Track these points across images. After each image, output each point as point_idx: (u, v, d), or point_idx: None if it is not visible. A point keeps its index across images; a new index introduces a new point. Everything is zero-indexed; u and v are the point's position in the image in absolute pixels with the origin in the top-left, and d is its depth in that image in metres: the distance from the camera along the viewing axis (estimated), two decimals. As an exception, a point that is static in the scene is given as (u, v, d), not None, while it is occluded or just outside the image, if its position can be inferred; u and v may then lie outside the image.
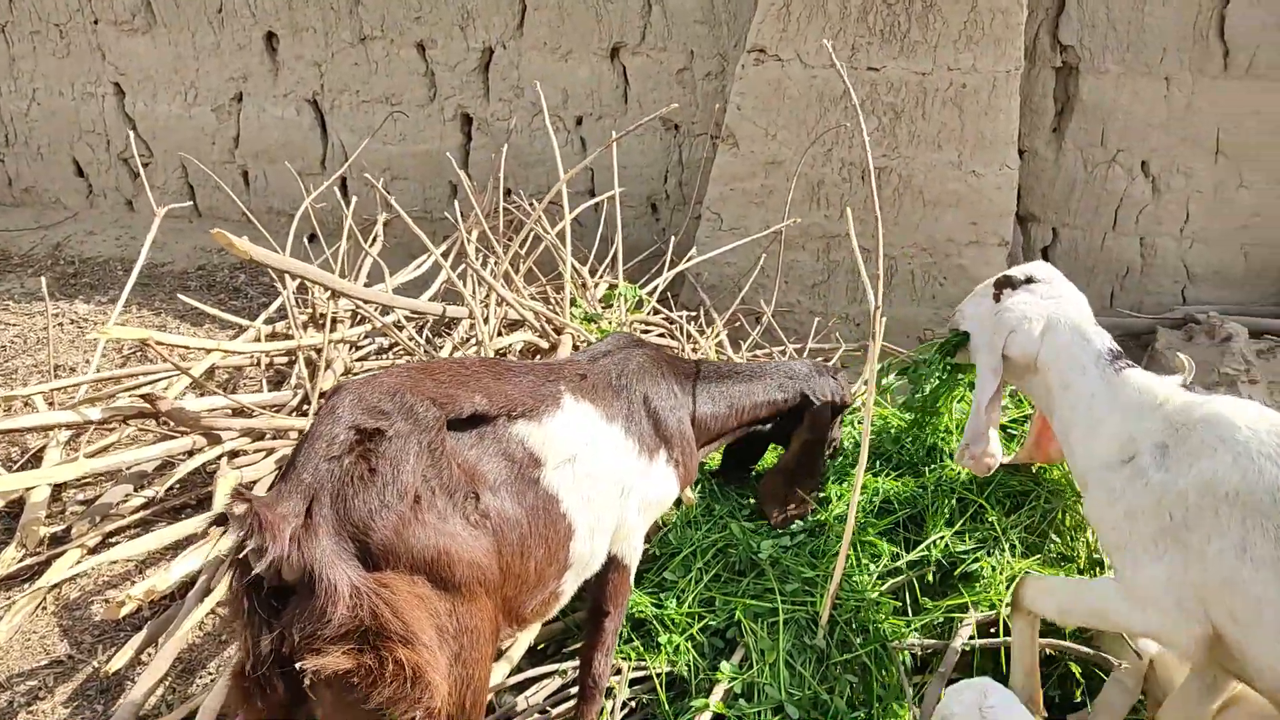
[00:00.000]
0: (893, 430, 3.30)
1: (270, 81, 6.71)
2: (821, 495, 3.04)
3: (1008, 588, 2.65)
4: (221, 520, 1.53)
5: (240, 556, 1.56)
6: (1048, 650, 2.60)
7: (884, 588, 2.71)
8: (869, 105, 5.30)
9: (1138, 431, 2.18)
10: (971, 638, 2.58)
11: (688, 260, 4.88)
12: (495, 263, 4.12)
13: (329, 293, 3.98)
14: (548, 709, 2.55)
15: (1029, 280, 2.58)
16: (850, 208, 3.32)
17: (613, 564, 2.38)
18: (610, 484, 2.26)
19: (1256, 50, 5.35)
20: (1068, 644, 2.56)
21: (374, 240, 4.68)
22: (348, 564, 1.62)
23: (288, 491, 1.65)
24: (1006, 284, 2.62)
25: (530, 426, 2.09)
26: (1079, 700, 2.58)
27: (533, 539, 2.00)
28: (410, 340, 3.96)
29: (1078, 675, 2.59)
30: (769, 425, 3.04)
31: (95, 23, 6.75)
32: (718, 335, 4.60)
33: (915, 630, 2.61)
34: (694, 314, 5.18)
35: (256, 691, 1.64)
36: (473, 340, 3.88)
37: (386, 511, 1.68)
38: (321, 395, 3.59)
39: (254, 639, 1.58)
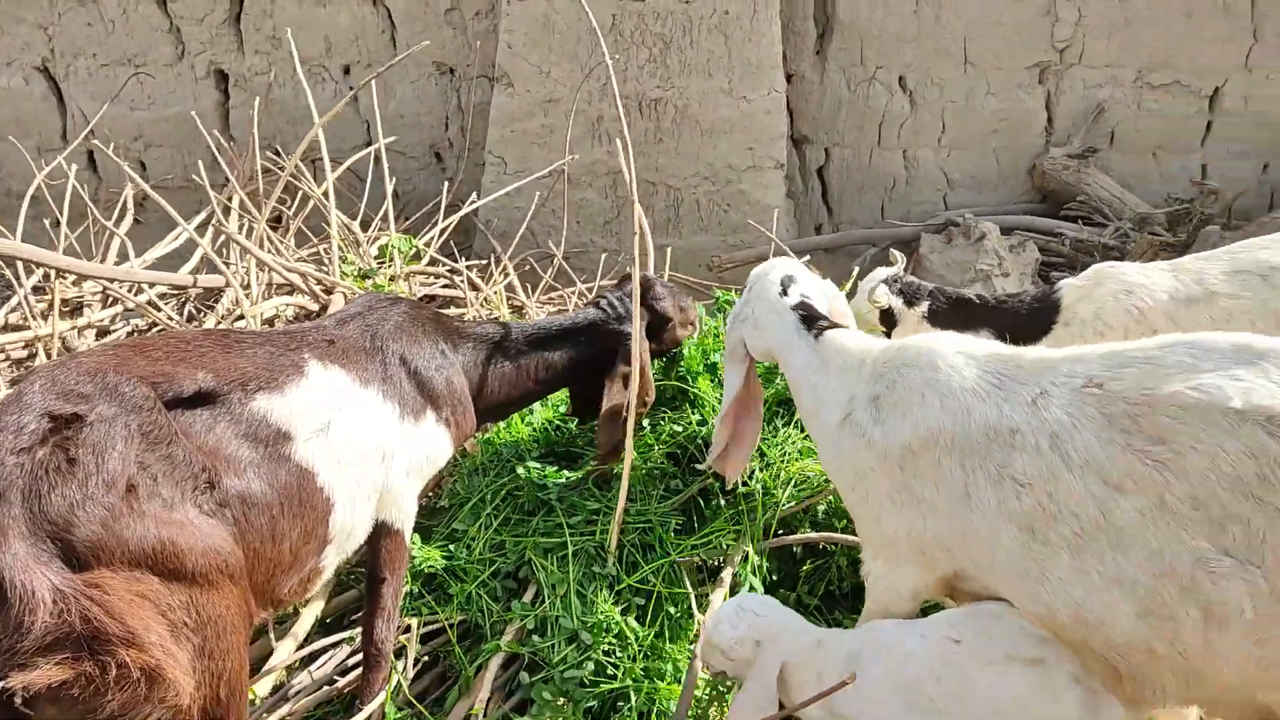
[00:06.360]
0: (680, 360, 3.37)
1: (-12, 48, 6.02)
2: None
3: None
4: None
5: None
6: (822, 544, 2.77)
7: (668, 508, 2.79)
8: (638, 36, 5.31)
9: (855, 390, 2.12)
10: (753, 541, 2.71)
11: (469, 206, 4.78)
12: (258, 226, 3.88)
13: (71, 276, 3.64)
14: (335, 679, 2.49)
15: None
16: (621, 140, 3.30)
17: (384, 530, 2.32)
18: (370, 449, 2.19)
19: (991, -38, 5.71)
20: (837, 535, 2.73)
21: (121, 216, 4.30)
22: (48, 567, 1.49)
23: None
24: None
25: (272, 400, 1.98)
26: (846, 588, 2.76)
27: (286, 519, 1.92)
28: (170, 319, 3.70)
29: (844, 567, 2.76)
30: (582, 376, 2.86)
31: None
32: (507, 278, 4.54)
33: (698, 545, 2.71)
34: (485, 261, 5.10)
35: (-36, 720, 1.50)
36: (239, 311, 3.66)
37: (91, 504, 1.55)
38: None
39: None
